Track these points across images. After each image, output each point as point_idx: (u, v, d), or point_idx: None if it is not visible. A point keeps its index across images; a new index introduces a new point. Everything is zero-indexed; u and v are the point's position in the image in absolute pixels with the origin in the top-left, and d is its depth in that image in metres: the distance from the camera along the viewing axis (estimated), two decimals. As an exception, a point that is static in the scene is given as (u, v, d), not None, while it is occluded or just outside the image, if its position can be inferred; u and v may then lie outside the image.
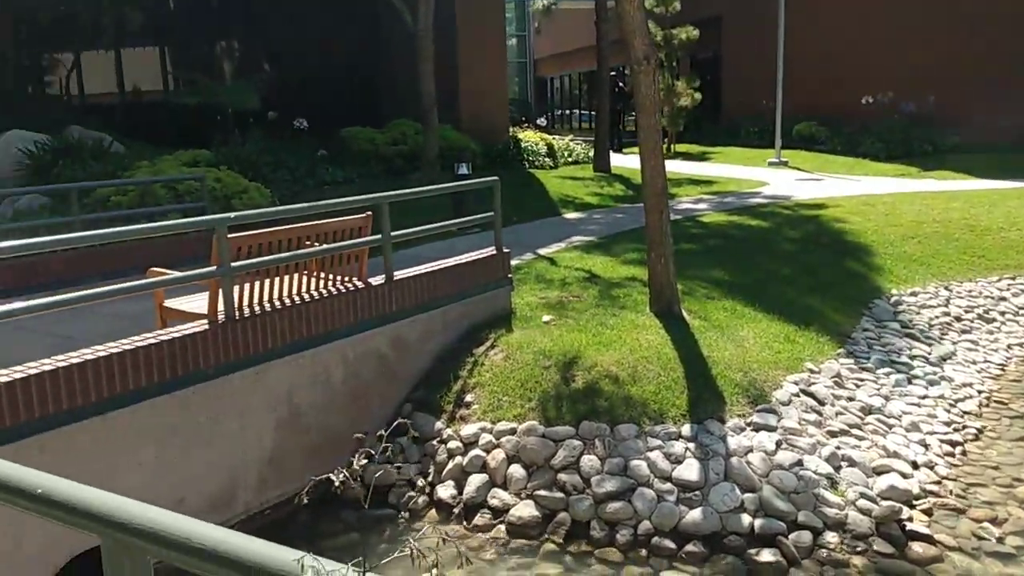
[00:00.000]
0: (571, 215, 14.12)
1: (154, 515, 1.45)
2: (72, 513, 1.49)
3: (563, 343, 7.23)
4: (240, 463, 5.84)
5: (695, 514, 5.56)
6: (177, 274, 5.81)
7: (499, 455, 6.09)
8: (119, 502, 1.47)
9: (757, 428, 6.20)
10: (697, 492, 5.69)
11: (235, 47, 20.43)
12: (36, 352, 5.19)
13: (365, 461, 6.48)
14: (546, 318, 7.99)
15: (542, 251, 10.83)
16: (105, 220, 9.57)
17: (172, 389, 5.41)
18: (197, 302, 6.12)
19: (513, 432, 6.22)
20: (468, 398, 6.74)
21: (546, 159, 19.42)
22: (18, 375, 4.66)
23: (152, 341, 5.33)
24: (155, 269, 6.21)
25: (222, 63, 20.15)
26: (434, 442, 6.44)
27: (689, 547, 5.43)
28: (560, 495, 5.80)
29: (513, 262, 9.89)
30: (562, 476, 5.87)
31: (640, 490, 5.73)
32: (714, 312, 8.27)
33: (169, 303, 6.23)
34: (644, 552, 5.48)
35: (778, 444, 6.02)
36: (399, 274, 7.15)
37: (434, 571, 1.18)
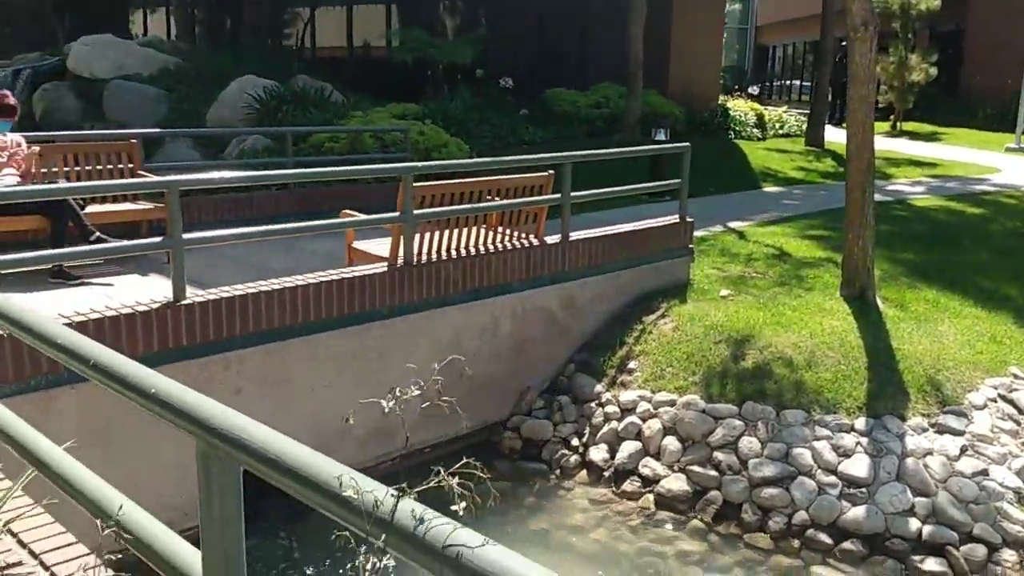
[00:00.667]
0: (771, 189, 13.50)
1: (243, 424, 1.54)
2: (175, 414, 1.61)
3: (738, 319, 6.98)
4: (403, 402, 6.10)
5: (858, 511, 5.23)
6: (364, 217, 6.13)
7: (655, 425, 6.00)
8: (216, 410, 1.57)
9: (941, 431, 5.71)
10: (863, 489, 5.35)
11: (457, 6, 21.01)
12: (240, 278, 5.63)
13: (524, 415, 6.60)
14: (724, 292, 7.73)
15: (732, 224, 10.45)
16: (315, 163, 10.21)
17: (350, 324, 5.73)
18: (381, 246, 6.42)
19: (672, 404, 6.10)
20: (631, 365, 6.67)
21: (754, 130, 18.62)
22: (223, 294, 5.08)
23: (335, 277, 5.66)
24: (347, 211, 6.57)
25: (444, 21, 20.80)
26: (592, 404, 6.44)
27: (846, 544, 5.13)
28: (714, 473, 5.64)
29: (699, 233, 9.64)
30: (718, 454, 5.70)
31: (800, 479, 5.46)
32: (913, 302, 7.66)
33: (357, 244, 6.57)
34: (796, 543, 5.24)
35: (963, 450, 5.53)
36: (575, 235, 7.15)
37: (461, 505, 1.17)
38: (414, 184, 5.93)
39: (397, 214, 5.91)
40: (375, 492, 1.27)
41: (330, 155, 11.30)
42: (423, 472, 6.10)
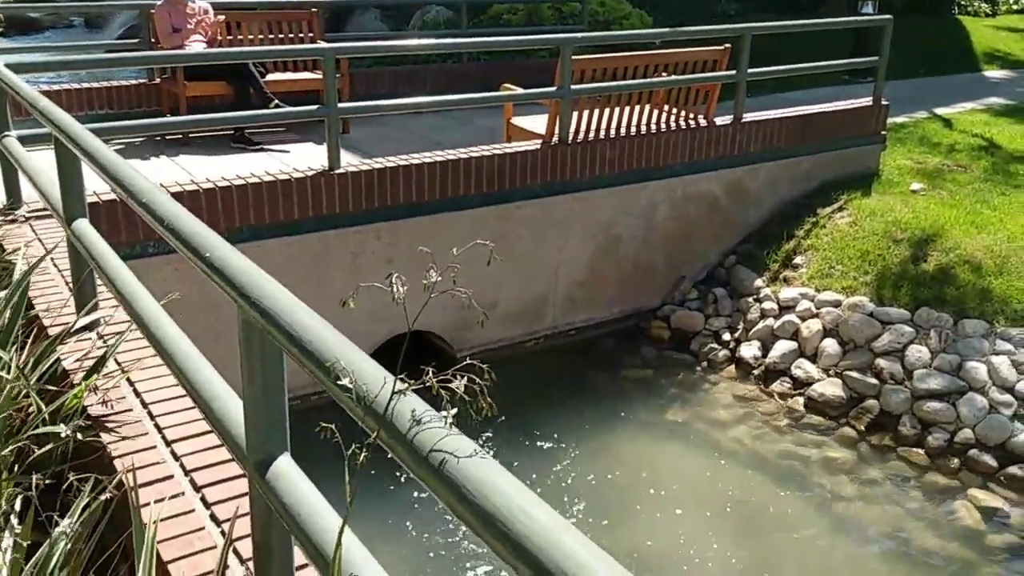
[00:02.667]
0: (993, 73, 12.00)
1: (284, 302, 1.49)
2: (223, 280, 1.59)
3: (926, 217, 6.34)
4: (553, 281, 6.07)
5: (1033, 437, 4.75)
6: (520, 91, 5.97)
7: (815, 325, 5.64)
8: (260, 280, 1.54)
9: None
10: (1044, 413, 4.83)
11: None
12: (408, 151, 5.67)
13: (676, 304, 6.40)
14: (915, 186, 7.02)
15: (939, 110, 9.41)
16: (488, 35, 10.01)
17: (500, 201, 5.68)
18: (539, 122, 6.26)
19: (837, 305, 5.69)
20: (798, 260, 6.26)
21: (983, 5, 16.52)
22: (376, 165, 5.16)
23: (486, 153, 5.59)
24: (507, 85, 6.42)
25: None
26: (750, 299, 6.13)
27: (1013, 469, 4.69)
28: (874, 381, 5.26)
29: (899, 119, 8.78)
30: (881, 361, 5.30)
31: (970, 395, 4.99)
32: None
33: (516, 120, 6.44)
34: (955, 462, 4.84)
35: None
36: (751, 116, 6.66)
37: (450, 412, 1.08)
38: (574, 58, 5.68)
39: (553, 89, 5.71)
40: (373, 384, 1.19)
41: (507, 27, 11.07)
42: (566, 353, 6.11)
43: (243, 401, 1.56)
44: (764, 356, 5.72)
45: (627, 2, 11.62)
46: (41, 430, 2.29)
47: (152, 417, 2.42)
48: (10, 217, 4.01)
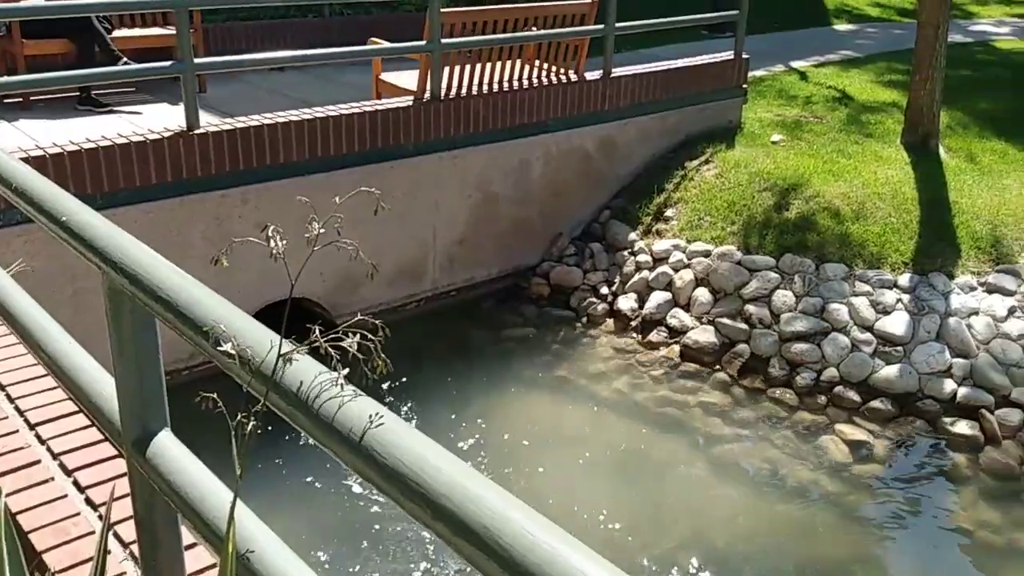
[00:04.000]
0: (843, 27, 12.57)
1: (153, 265, 1.36)
2: (84, 245, 1.44)
3: (787, 167, 6.59)
4: (431, 241, 5.98)
5: (891, 370, 5.05)
6: (388, 45, 5.80)
7: (687, 276, 5.79)
8: (125, 243, 1.40)
9: (991, 290, 5.40)
10: (899, 348, 5.14)
11: None
12: (271, 110, 5.40)
13: (554, 261, 6.40)
14: (776, 137, 7.29)
15: (795, 63, 9.78)
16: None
17: (373, 160, 5.52)
18: (409, 78, 6.11)
19: (707, 255, 5.86)
20: (668, 213, 6.40)
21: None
22: (239, 124, 4.89)
23: (356, 110, 5.41)
24: (375, 39, 6.23)
25: None
26: (625, 253, 6.23)
27: (875, 403, 4.98)
28: (744, 326, 5.46)
29: (758, 72, 9.06)
30: (750, 307, 5.51)
31: (833, 335, 5.26)
32: (980, 152, 7.15)
33: (385, 76, 6.26)
34: (822, 399, 5.10)
35: (1011, 311, 5.23)
36: (619, 71, 6.72)
37: (341, 372, 0.99)
38: (443, 11, 5.55)
39: (423, 43, 5.57)
40: (259, 347, 1.09)
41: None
42: (447, 314, 6.01)
43: (115, 376, 1.42)
44: (641, 308, 5.84)
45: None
46: None
47: (11, 400, 2.22)
48: None
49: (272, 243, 1.20)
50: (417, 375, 5.33)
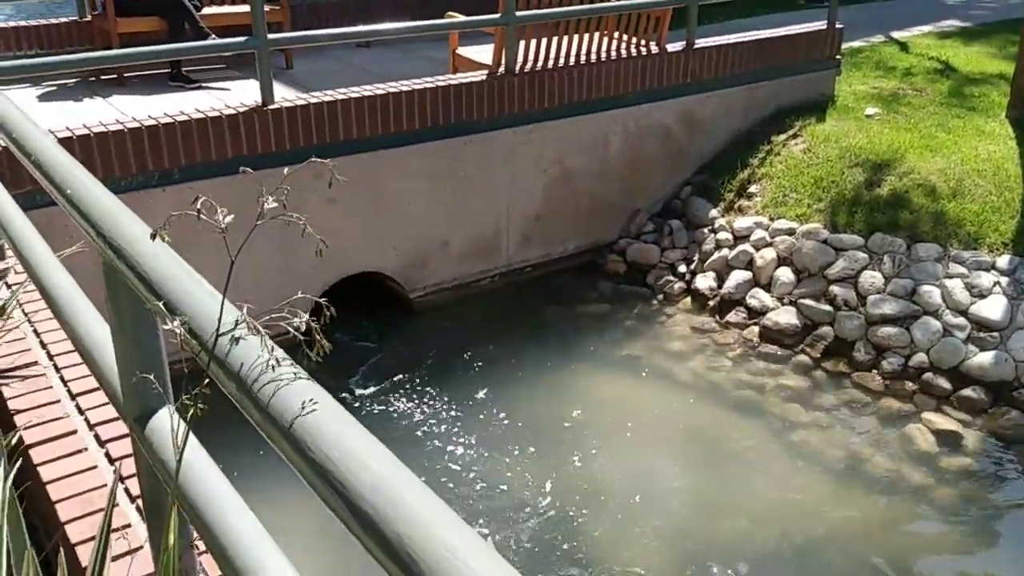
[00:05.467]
0: (952, -5, 11.86)
1: (133, 237, 1.31)
2: (84, 219, 1.42)
3: (881, 142, 6.25)
4: (506, 217, 5.92)
5: (985, 357, 4.74)
6: (463, 18, 5.73)
7: (769, 254, 5.56)
8: (117, 219, 1.36)
9: (1103, 275, 5.01)
10: (995, 333, 4.82)
11: None
12: (348, 84, 5.44)
13: (632, 238, 6.25)
14: (870, 111, 6.92)
15: (896, 33, 9.28)
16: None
17: (446, 136, 5.48)
18: (485, 52, 6.03)
19: (791, 233, 5.62)
20: (752, 189, 6.16)
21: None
22: (313, 100, 4.92)
23: (429, 85, 5.37)
24: (451, 13, 6.16)
25: None
26: (705, 230, 6.03)
27: (966, 391, 4.68)
28: (828, 308, 5.21)
29: (856, 43, 8.64)
30: (835, 288, 5.25)
31: (924, 319, 4.97)
32: (1095, 128, 6.63)
33: (461, 50, 6.21)
34: (910, 386, 4.83)
35: (1124, 298, 4.84)
36: (702, 42, 6.48)
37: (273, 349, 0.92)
38: (519, -18, 5.44)
39: (498, 16, 5.48)
40: (209, 321, 1.03)
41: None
42: (521, 289, 5.95)
43: (115, 353, 1.41)
44: (719, 287, 5.65)
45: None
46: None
47: (58, 370, 2.26)
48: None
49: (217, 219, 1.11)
50: (490, 348, 5.30)
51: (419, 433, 4.58)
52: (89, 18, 6.52)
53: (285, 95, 5.08)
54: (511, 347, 5.36)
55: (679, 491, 4.28)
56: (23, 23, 6.51)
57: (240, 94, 5.69)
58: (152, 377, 1.38)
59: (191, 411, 1.00)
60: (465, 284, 5.90)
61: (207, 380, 1.00)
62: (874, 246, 5.36)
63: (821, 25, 7.16)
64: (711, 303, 5.63)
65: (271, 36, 4.66)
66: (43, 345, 2.35)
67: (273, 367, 0.90)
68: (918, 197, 5.63)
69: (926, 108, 6.98)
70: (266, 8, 6.87)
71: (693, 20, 6.35)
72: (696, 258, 5.92)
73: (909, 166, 5.90)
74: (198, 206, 1.03)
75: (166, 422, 1.30)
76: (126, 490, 1.81)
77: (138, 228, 1.27)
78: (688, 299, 5.75)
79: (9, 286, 2.68)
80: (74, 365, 2.25)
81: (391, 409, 4.76)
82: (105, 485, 1.79)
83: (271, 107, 4.77)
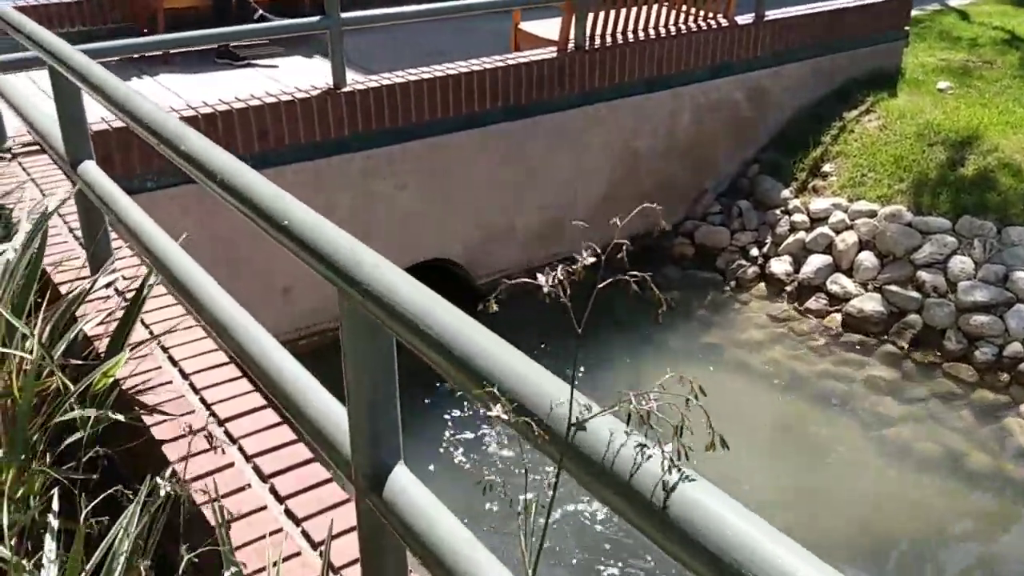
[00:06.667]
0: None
1: (392, 280, 1.17)
2: (316, 258, 1.27)
3: (959, 118, 6.02)
4: (571, 199, 5.74)
5: (1086, 348, 4.57)
6: (531, -7, 5.51)
7: (850, 238, 5.37)
8: (360, 257, 1.22)
9: None
10: (1096, 323, 4.65)
11: None
12: (407, 62, 5.25)
13: (698, 219, 6.03)
14: (942, 84, 6.68)
15: (952, 2, 8.97)
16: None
17: (516, 116, 5.29)
18: (550, 27, 5.81)
19: (873, 215, 5.42)
20: (826, 168, 5.95)
21: None
22: (384, 82, 4.72)
23: (500, 65, 5.16)
24: (514, -14, 5.93)
25: None
26: (777, 211, 5.84)
27: (1067, 384, 4.52)
28: (915, 295, 5.04)
29: (913, 12, 8.33)
30: (923, 274, 5.07)
31: (1019, 307, 4.79)
32: None
33: (524, 25, 5.98)
34: (1005, 377, 4.67)
35: None
36: (772, 14, 6.24)
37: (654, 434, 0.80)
38: (588, -46, 5.21)
39: (570, -10, 5.25)
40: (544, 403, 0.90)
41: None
42: (587, 275, 5.66)
43: (348, 405, 1.26)
44: (796, 272, 5.47)
45: None
46: (71, 415, 1.99)
47: (196, 390, 2.12)
48: (-5, 155, 3.61)
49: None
50: (556, 337, 5.14)
51: (486, 429, 4.44)
52: (133, -7, 6.33)
53: (350, 76, 4.87)
54: (582, 337, 5.20)
55: (771, 489, 4.14)
56: (65, 0, 6.30)
57: (293, 73, 5.52)
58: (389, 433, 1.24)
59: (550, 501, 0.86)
60: (529, 270, 5.72)
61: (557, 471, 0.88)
62: (962, 229, 5.17)
63: (890, -6, 6.89)
64: (788, 289, 5.45)
65: (344, 15, 4.46)
66: (173, 362, 2.21)
67: (642, 453, 0.81)
68: (1005, 177, 5.42)
69: (1000, 82, 6.73)
70: (313, -20, 6.73)
71: (763, -10, 6.10)
72: (769, 241, 5.74)
73: (992, 144, 5.68)
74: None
75: (403, 480, 1.19)
76: (303, 532, 1.67)
77: (400, 278, 1.12)
78: (762, 285, 5.57)
79: (121, 293, 2.54)
80: (214, 385, 2.10)
81: (461, 410, 4.62)
82: (281, 529, 1.65)
83: (344, 90, 4.59)
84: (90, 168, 2.43)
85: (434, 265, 5.34)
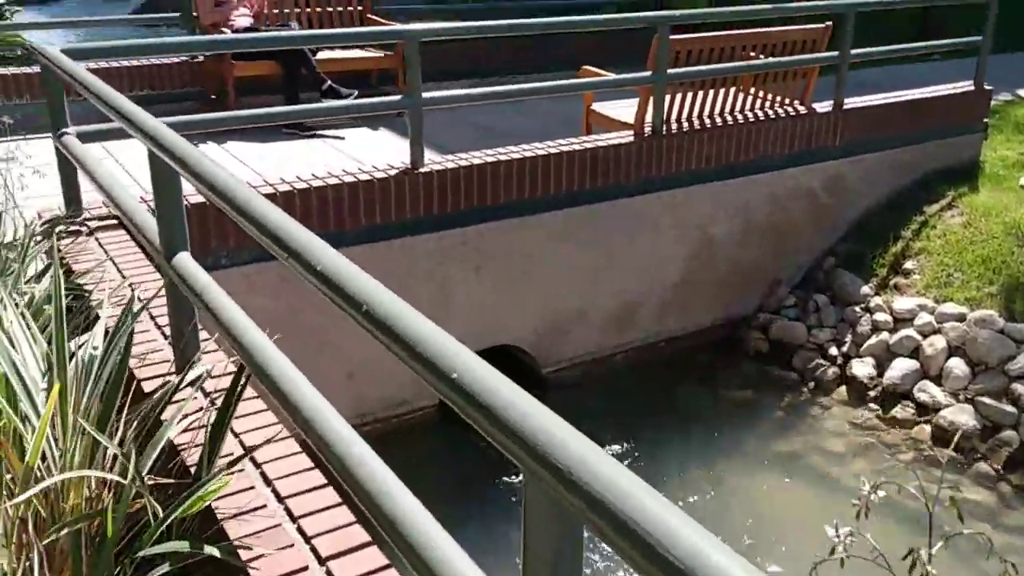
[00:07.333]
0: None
1: (585, 456, 0.93)
2: (495, 425, 1.03)
3: (1047, 217, 5.77)
4: (645, 287, 5.51)
5: None
6: (610, 76, 5.35)
7: (938, 343, 5.09)
8: (542, 422, 0.98)
9: None
10: None
11: None
12: (469, 141, 5.13)
13: (772, 312, 5.71)
14: (1025, 181, 6.44)
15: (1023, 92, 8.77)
16: (546, 10, 9.26)
17: (590, 200, 5.11)
18: (625, 109, 5.65)
19: (962, 319, 5.14)
20: (908, 265, 5.69)
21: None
22: (462, 162, 4.57)
23: (577, 148, 4.99)
24: (588, 68, 5.79)
25: None
26: (857, 308, 5.57)
27: None
28: (1011, 409, 4.73)
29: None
30: (1018, 386, 4.77)
31: None
32: None
33: (597, 107, 5.82)
34: (1116, 508, 4.34)
35: None
36: (851, 102, 6.06)
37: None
38: (672, 37, 5.06)
39: (648, 73, 5.09)
40: None
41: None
42: (659, 366, 5.32)
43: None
44: (880, 375, 5.19)
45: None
46: (159, 548, 1.76)
47: (292, 518, 1.89)
48: (72, 227, 3.44)
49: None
50: (629, 437, 4.88)
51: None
52: (201, 59, 6.27)
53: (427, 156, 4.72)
54: (653, 434, 4.94)
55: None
56: (135, 62, 6.24)
57: (360, 146, 5.42)
58: None
59: None
60: (600, 359, 5.49)
61: None
62: (1060, 341, 4.88)
63: (968, 85, 6.71)
64: (871, 393, 5.16)
65: (425, 95, 4.31)
66: (266, 481, 1.98)
67: None
68: (1103, 286, 5.14)
69: (1085, 180, 6.47)
70: (379, 53, 6.66)
71: (843, 78, 5.93)
72: (849, 340, 5.47)
73: (1085, 249, 5.41)
74: None
75: None
76: None
77: (584, 443, 0.89)
78: (843, 388, 5.28)
79: (207, 395, 2.32)
80: (312, 513, 1.87)
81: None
82: None
83: (421, 170, 4.43)
84: (184, 260, 2.24)
85: (494, 350, 5.11)
